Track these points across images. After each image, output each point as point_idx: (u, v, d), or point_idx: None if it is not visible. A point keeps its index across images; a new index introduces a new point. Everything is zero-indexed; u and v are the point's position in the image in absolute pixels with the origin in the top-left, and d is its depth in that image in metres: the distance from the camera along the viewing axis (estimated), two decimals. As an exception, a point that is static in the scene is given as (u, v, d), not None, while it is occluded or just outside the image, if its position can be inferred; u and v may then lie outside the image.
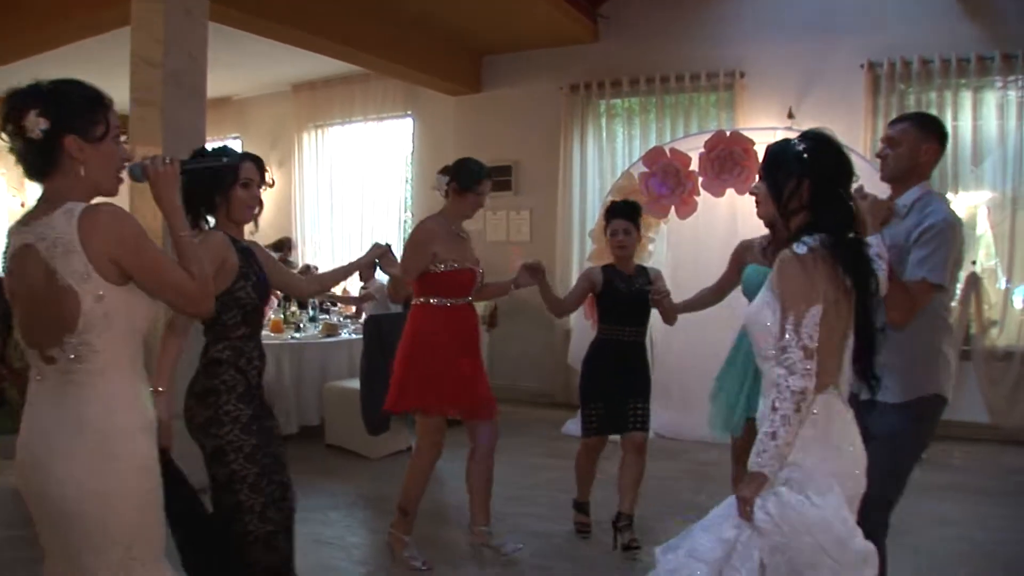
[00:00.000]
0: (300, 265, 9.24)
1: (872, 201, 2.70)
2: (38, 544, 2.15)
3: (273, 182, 9.75)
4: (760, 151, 5.91)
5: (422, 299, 4.02)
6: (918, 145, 2.89)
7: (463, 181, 4.00)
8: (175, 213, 2.20)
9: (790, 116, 6.72)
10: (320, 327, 7.07)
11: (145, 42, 5.03)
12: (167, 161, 2.20)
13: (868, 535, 2.44)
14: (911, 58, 6.58)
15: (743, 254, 3.99)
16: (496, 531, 4.25)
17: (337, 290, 8.64)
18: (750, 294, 3.66)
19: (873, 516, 2.69)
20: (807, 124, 6.41)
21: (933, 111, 6.51)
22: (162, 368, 2.77)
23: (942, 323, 2.97)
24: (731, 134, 6.25)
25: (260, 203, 3.08)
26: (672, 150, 6.46)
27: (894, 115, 6.52)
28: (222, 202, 2.95)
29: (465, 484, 4.21)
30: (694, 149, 6.40)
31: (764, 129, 6.42)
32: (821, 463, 2.18)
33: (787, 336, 2.16)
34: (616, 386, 4.22)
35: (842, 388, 2.29)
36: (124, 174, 2.19)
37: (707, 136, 6.37)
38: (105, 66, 7.86)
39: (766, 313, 2.26)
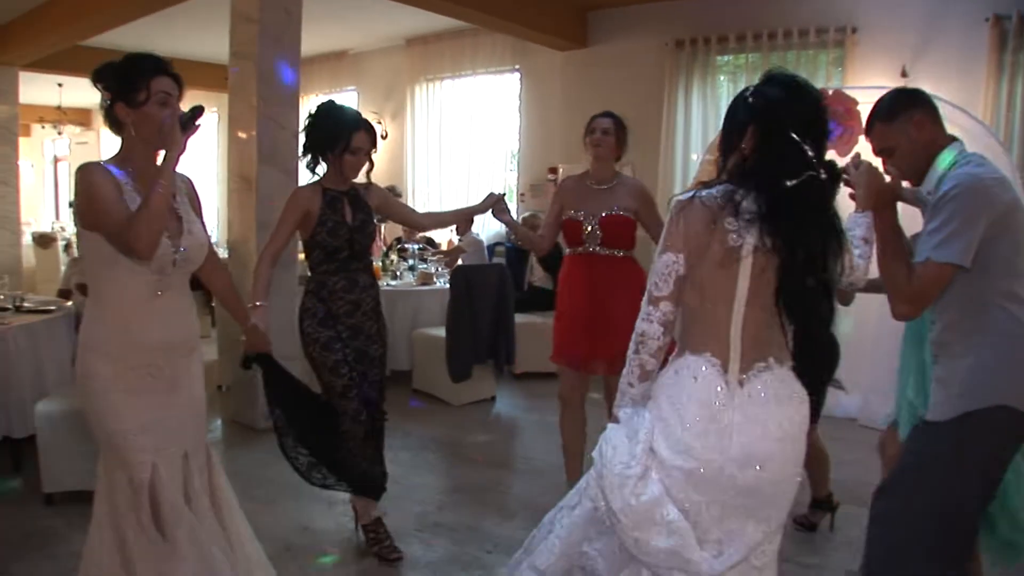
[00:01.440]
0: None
1: (866, 170, 2.44)
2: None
3: (387, 134, 10.12)
4: (864, 111, 5.74)
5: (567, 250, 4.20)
6: (905, 131, 2.51)
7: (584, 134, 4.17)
8: (163, 164, 2.51)
9: (903, 75, 6.40)
10: (416, 275, 7.26)
11: (243, -1, 5.25)
12: (169, 116, 2.54)
13: None
14: (1045, 11, 6.11)
15: None
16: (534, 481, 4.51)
17: (444, 242, 8.87)
18: None
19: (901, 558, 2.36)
20: (923, 83, 6.17)
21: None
22: (256, 288, 3.33)
23: (999, 314, 2.35)
24: (833, 93, 6.02)
25: (370, 164, 3.68)
26: (773, 109, 6.28)
27: (1021, 75, 6.20)
28: (333, 161, 3.54)
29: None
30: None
31: (872, 88, 6.13)
32: (658, 416, 2.06)
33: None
34: None
35: (731, 364, 2.04)
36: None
37: (808, 95, 6.16)
38: (209, 22, 8.26)
39: None
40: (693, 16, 7.63)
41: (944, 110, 2.64)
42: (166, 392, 2.67)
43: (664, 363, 2.13)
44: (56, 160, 18.67)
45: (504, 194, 3.95)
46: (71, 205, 14.28)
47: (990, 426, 2.32)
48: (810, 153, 1.99)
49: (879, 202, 2.43)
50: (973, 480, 2.36)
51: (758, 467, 1.99)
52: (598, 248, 4.00)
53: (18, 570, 3.54)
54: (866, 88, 6.18)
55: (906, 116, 2.51)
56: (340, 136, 3.49)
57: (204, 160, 12.06)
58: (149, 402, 2.62)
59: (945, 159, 2.47)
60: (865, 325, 5.86)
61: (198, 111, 2.56)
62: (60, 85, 12.67)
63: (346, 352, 3.51)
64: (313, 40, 5.60)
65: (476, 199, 4.19)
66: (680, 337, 2.13)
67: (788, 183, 1.96)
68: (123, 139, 2.59)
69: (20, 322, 4.74)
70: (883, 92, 2.66)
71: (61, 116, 14.14)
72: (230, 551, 2.78)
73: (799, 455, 2.10)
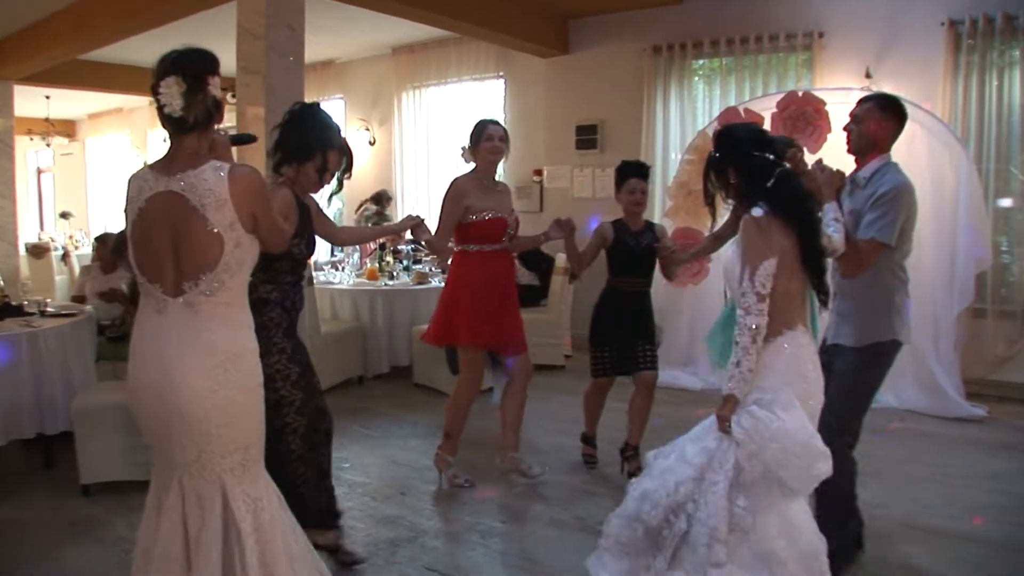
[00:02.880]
0: (402, 216, 9.83)
1: (828, 173, 3.28)
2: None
3: (375, 140, 10.45)
4: (832, 111, 6.26)
5: (461, 247, 4.50)
6: (879, 123, 3.39)
7: (473, 139, 4.51)
8: None
9: (867, 76, 6.79)
10: (412, 275, 7.59)
11: (249, 15, 5.58)
12: (223, 133, 2.60)
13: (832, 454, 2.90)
14: (994, 15, 6.47)
15: None
16: (544, 459, 4.83)
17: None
18: None
19: (831, 441, 3.04)
20: (885, 84, 6.60)
21: (1017, 70, 6.55)
22: None
23: (896, 280, 3.41)
24: (803, 94, 6.42)
25: (333, 182, 3.57)
26: (746, 110, 6.67)
27: (975, 74, 6.62)
28: (309, 171, 3.40)
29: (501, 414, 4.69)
30: (767, 109, 6.60)
31: (839, 89, 6.55)
32: (785, 387, 2.65)
33: (745, 283, 2.65)
34: (626, 331, 4.67)
35: (810, 326, 2.78)
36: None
37: (780, 96, 6.55)
38: (213, 37, 8.51)
39: (736, 265, 2.75)
40: (669, 23, 8.02)
41: (906, 108, 3.50)
42: None
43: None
44: (39, 171, 18.81)
45: (421, 217, 4.15)
46: (63, 216, 14.52)
47: (889, 350, 3.42)
48: (771, 157, 2.78)
49: (836, 193, 3.29)
50: (879, 378, 3.48)
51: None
52: (507, 244, 4.53)
53: (69, 554, 3.82)
54: (833, 89, 6.59)
55: (888, 118, 3.43)
56: (311, 151, 3.39)
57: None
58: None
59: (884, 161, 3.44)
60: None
61: (251, 139, 2.90)
62: (48, 97, 12.86)
63: (304, 363, 3.39)
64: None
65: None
66: (771, 325, 2.71)
67: (768, 184, 2.73)
68: (186, 140, 2.46)
69: (47, 325, 5.03)
70: (849, 91, 3.52)
71: (49, 128, 14.31)
72: None
73: None
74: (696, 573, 2.66)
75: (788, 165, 2.88)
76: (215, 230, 2.38)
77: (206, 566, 2.38)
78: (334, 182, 3.59)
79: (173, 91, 2.38)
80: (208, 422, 2.42)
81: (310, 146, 3.38)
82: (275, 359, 3.25)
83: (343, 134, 3.63)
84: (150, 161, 2.70)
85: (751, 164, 2.78)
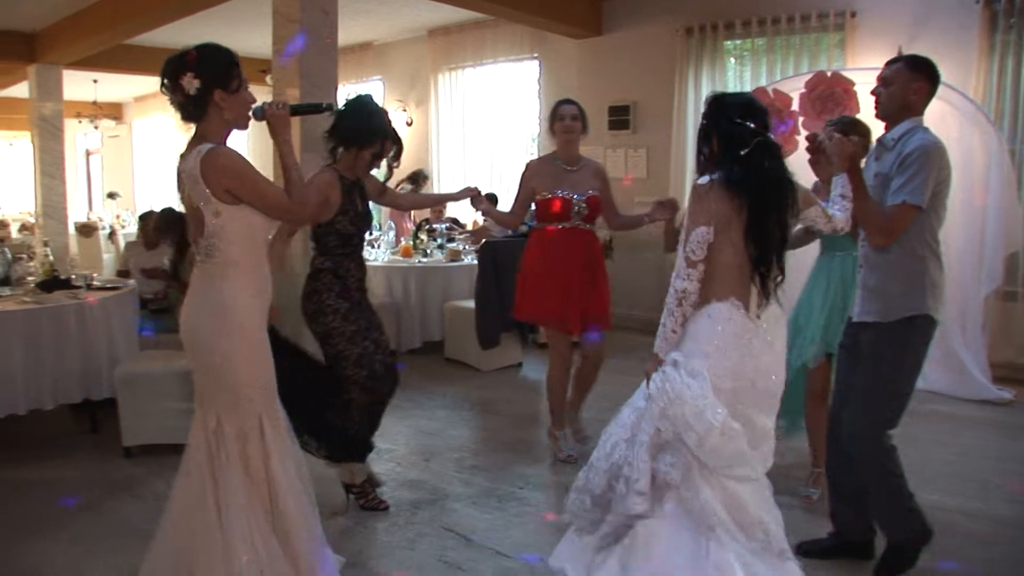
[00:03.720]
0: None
1: (836, 141, 3.06)
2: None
3: (412, 121, 10.62)
4: (862, 92, 6.12)
5: (536, 225, 4.68)
6: (908, 84, 3.13)
7: (548, 121, 4.68)
8: (286, 146, 2.82)
9: (899, 56, 6.78)
10: (446, 253, 7.75)
11: (285, 0, 5.73)
12: (279, 106, 2.84)
13: (867, 453, 3.09)
14: (1032, -7, 6.44)
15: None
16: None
17: (469, 222, 9.34)
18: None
19: (869, 433, 3.15)
20: (917, 64, 6.56)
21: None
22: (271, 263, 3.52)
23: (927, 249, 3.12)
24: (832, 74, 6.43)
25: (389, 172, 4.07)
26: (775, 91, 6.70)
27: (1011, 54, 6.58)
28: (358, 155, 3.79)
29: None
30: (796, 90, 6.62)
31: (868, 69, 6.54)
32: (701, 355, 2.69)
33: (680, 248, 2.71)
34: None
35: (751, 304, 2.72)
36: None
37: (809, 76, 6.57)
38: (250, 20, 8.75)
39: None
40: (702, 4, 8.06)
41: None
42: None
43: None
44: (88, 153, 19.29)
45: (479, 188, 4.42)
46: (110, 196, 14.91)
47: (923, 327, 3.13)
48: (752, 126, 2.70)
49: (851, 164, 3.04)
50: (917, 360, 3.18)
51: (773, 377, 2.75)
52: (581, 223, 4.54)
53: (110, 507, 4.08)
54: (864, 69, 6.58)
55: (918, 78, 3.15)
56: (374, 138, 3.77)
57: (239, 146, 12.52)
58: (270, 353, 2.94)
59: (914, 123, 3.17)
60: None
61: (318, 108, 3.11)
62: (95, 81, 13.21)
63: (360, 322, 3.80)
64: (340, 32, 6.04)
65: (499, 180, 4.74)
66: (702, 290, 2.74)
67: (741, 152, 2.68)
68: (201, 124, 2.76)
69: (94, 298, 5.26)
70: (879, 71, 3.29)
71: (97, 111, 14.68)
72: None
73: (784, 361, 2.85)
74: (622, 527, 2.82)
75: (773, 137, 2.77)
76: (197, 204, 2.73)
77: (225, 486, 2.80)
78: (384, 167, 3.99)
79: (170, 92, 2.77)
80: (207, 366, 2.83)
81: (370, 134, 3.76)
82: (330, 319, 3.76)
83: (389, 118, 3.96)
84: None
85: (731, 131, 2.72)
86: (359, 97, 3.92)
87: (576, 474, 3.14)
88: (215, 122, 2.76)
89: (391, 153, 3.93)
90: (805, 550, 3.37)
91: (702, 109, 8.15)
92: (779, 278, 2.75)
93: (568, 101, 4.67)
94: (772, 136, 2.76)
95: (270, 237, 2.96)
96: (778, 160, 2.73)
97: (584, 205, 4.51)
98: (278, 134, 2.83)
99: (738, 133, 2.71)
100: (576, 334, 4.64)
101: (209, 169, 2.66)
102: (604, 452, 2.93)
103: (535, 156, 9.72)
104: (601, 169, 4.75)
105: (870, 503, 3.29)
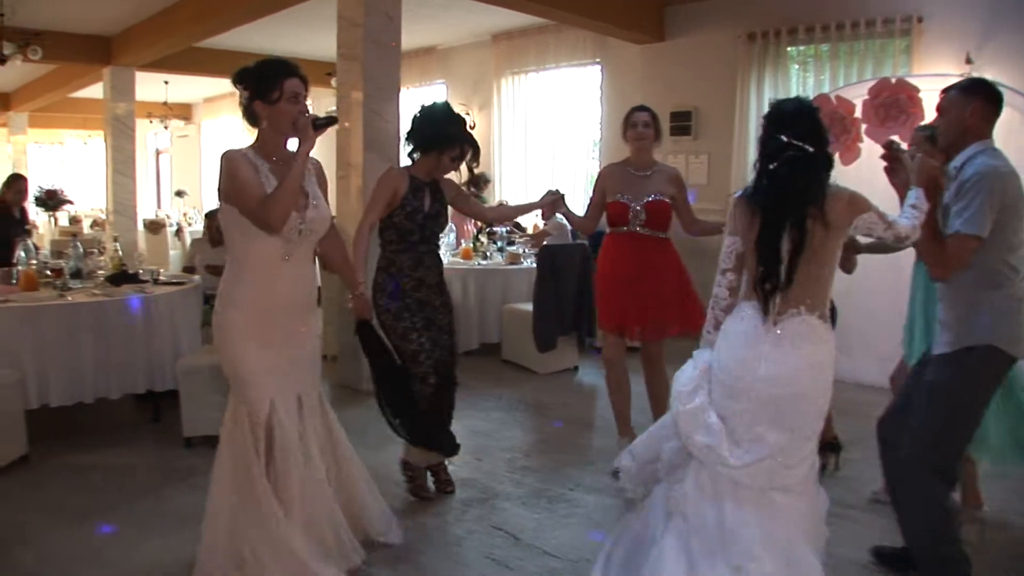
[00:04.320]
0: (496, 200, 10.11)
1: (919, 160, 3.01)
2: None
3: (474, 124, 10.68)
4: (927, 99, 5.94)
5: (607, 229, 4.72)
6: (963, 109, 3.02)
7: (622, 128, 4.72)
8: (298, 155, 2.95)
9: (968, 62, 6.61)
10: (505, 256, 7.80)
11: (349, 5, 5.87)
12: (305, 119, 2.98)
13: (905, 495, 3.04)
14: (1110, -4, 6.26)
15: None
16: (611, 436, 4.96)
17: (530, 226, 9.39)
18: None
19: (909, 476, 3.03)
20: (987, 70, 6.46)
21: None
22: (357, 261, 3.76)
23: (1000, 277, 2.96)
24: (896, 81, 6.33)
25: (471, 175, 4.31)
26: (838, 97, 6.61)
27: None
28: (435, 159, 3.95)
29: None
30: (860, 96, 6.52)
31: (935, 76, 6.42)
32: (712, 347, 2.83)
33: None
34: None
35: (769, 311, 2.68)
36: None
37: (872, 83, 6.47)
38: (315, 24, 8.92)
39: None
40: (765, 9, 7.97)
41: (1006, 95, 3.19)
42: (284, 344, 3.11)
43: None
44: (158, 153, 19.81)
45: (561, 192, 4.44)
46: (178, 194, 15.29)
47: (985, 358, 2.96)
48: (784, 139, 2.65)
49: (929, 182, 2.97)
50: (973, 397, 3.01)
51: (781, 387, 2.63)
52: (640, 229, 4.54)
53: (167, 494, 4.22)
54: (931, 75, 6.47)
55: (972, 101, 3.05)
56: (454, 142, 3.94)
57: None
58: (271, 351, 3.07)
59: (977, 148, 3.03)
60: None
61: (332, 120, 3.10)
62: (166, 83, 13.57)
63: (414, 320, 3.90)
64: (404, 36, 6.12)
65: (560, 185, 4.81)
66: (740, 292, 2.84)
67: (771, 166, 2.68)
68: (259, 131, 3.06)
69: (159, 292, 5.42)
70: (946, 78, 3.23)
71: (167, 111, 15.06)
72: (337, 474, 3.36)
73: (821, 383, 2.69)
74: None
75: (811, 149, 2.66)
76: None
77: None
78: (464, 169, 4.14)
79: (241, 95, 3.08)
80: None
81: (450, 139, 3.92)
82: (382, 318, 3.92)
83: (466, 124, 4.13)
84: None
85: (766, 143, 2.73)
86: (435, 104, 4.08)
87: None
88: (265, 130, 3.04)
89: (469, 156, 4.05)
90: (881, 553, 3.42)
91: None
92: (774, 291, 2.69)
93: (642, 108, 4.69)
94: (808, 148, 2.66)
95: (301, 237, 3.10)
96: (803, 174, 2.65)
97: (640, 210, 4.50)
98: (299, 143, 2.99)
99: (771, 146, 2.71)
100: (632, 339, 4.65)
101: (220, 170, 2.96)
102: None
103: (598, 161, 9.81)
104: (676, 175, 4.72)
105: (903, 533, 3.18)
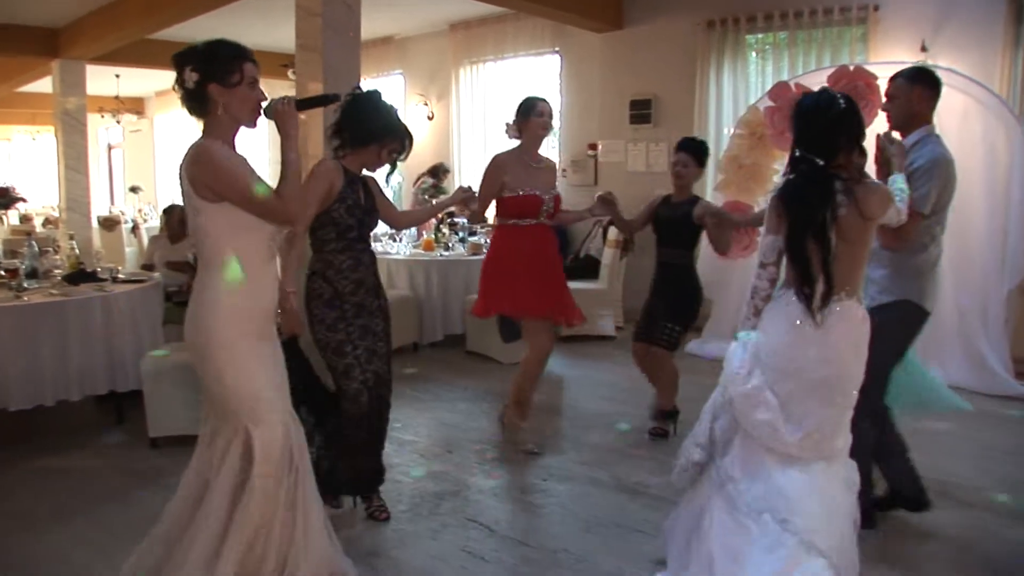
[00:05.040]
0: (455, 188, 10.06)
1: (897, 146, 3.37)
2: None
3: (433, 115, 10.65)
4: (885, 86, 6.17)
5: (500, 220, 4.66)
6: (909, 94, 3.51)
7: (522, 114, 4.61)
8: (289, 141, 2.74)
9: (923, 49, 6.72)
10: (467, 246, 7.77)
11: (307, -6, 5.75)
12: (285, 102, 2.75)
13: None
14: (1060, -15, 6.38)
15: None
16: (586, 423, 5.10)
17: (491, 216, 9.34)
18: None
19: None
20: (941, 58, 6.56)
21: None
22: (286, 273, 3.36)
23: (919, 246, 3.47)
24: (855, 68, 6.39)
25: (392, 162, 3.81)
26: (797, 85, 6.66)
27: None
28: (370, 153, 3.67)
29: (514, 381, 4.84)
30: (819, 84, 6.56)
31: (892, 64, 6.48)
32: (759, 332, 2.99)
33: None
34: (652, 304, 4.84)
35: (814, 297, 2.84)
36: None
37: (832, 71, 6.53)
38: (272, 15, 8.79)
39: None
40: (723, -2, 8.01)
41: (960, 82, 3.53)
42: (273, 354, 2.88)
43: None
44: (110, 148, 19.45)
45: (472, 188, 4.37)
46: (133, 190, 15.03)
47: (901, 310, 3.49)
48: (797, 153, 2.87)
49: (903, 162, 3.38)
50: (893, 346, 3.47)
51: (828, 367, 2.84)
52: (545, 220, 4.60)
53: (136, 497, 4.12)
54: (887, 63, 6.54)
55: (915, 86, 3.53)
56: (398, 135, 3.68)
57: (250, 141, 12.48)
58: (267, 363, 2.82)
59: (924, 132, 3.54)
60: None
61: (328, 99, 2.97)
62: (118, 76, 13.31)
63: (350, 331, 3.59)
64: (362, 26, 6.07)
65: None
66: (783, 279, 2.99)
67: (788, 177, 2.92)
68: (210, 120, 2.70)
69: (119, 290, 5.31)
70: (902, 66, 3.68)
71: (119, 105, 14.77)
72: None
73: (861, 360, 2.93)
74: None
75: (821, 163, 2.83)
76: (185, 201, 2.72)
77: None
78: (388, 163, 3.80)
79: (179, 88, 2.72)
80: (202, 373, 2.79)
81: (372, 135, 3.62)
82: (316, 329, 3.60)
83: (401, 114, 3.82)
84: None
85: (791, 156, 2.92)
86: (374, 93, 3.75)
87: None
88: (220, 119, 2.69)
89: (401, 150, 3.79)
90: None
91: (724, 103, 8.20)
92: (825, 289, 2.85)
93: (544, 99, 4.69)
94: (819, 161, 2.82)
95: (282, 237, 2.93)
96: (813, 188, 2.82)
97: (550, 200, 4.59)
98: (281, 130, 2.75)
99: (793, 158, 2.91)
100: (560, 324, 4.76)
101: (191, 165, 2.64)
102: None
103: (557, 150, 9.78)
104: (555, 166, 4.86)
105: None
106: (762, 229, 3.05)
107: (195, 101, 2.69)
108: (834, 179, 2.82)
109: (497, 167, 4.58)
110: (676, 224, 4.77)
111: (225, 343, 2.71)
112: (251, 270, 2.75)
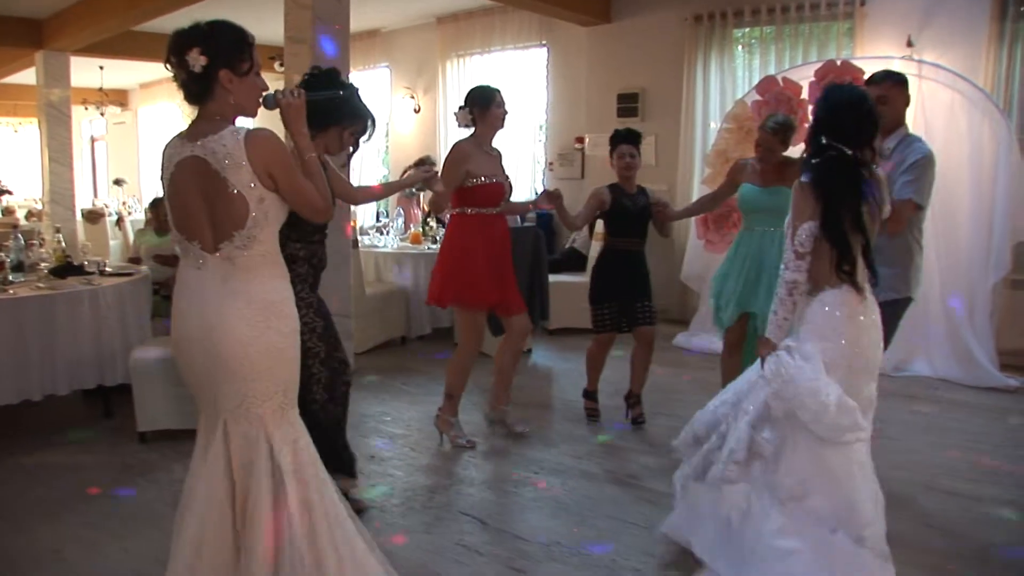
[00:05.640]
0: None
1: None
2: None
3: (420, 108, 10.62)
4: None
5: (459, 209, 4.60)
6: (900, 97, 3.76)
7: (481, 103, 4.58)
8: (302, 137, 2.62)
9: (909, 44, 6.75)
10: (454, 241, 7.75)
11: (296, -15, 5.73)
12: (295, 93, 2.63)
13: None
14: (1043, -21, 6.42)
15: (738, 174, 4.63)
16: (575, 416, 5.11)
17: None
18: (745, 209, 4.58)
19: None
20: (927, 53, 6.60)
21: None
22: None
23: (915, 242, 3.76)
24: (841, 63, 6.42)
25: (355, 146, 3.74)
26: (784, 79, 6.70)
27: (1020, 42, 6.59)
28: (335, 135, 3.59)
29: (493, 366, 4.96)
30: (806, 78, 6.61)
31: (879, 59, 6.55)
32: (815, 339, 2.90)
33: (787, 241, 2.90)
34: (626, 289, 4.89)
35: (862, 291, 2.93)
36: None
37: (819, 65, 6.56)
38: (261, 7, 8.72)
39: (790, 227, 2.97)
40: (711, -9, 8.02)
41: (945, 77, 3.67)
42: None
43: None
44: (93, 140, 19.30)
45: (435, 167, 4.34)
46: (117, 183, 14.92)
47: (903, 305, 3.76)
48: (824, 140, 2.90)
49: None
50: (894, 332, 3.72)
51: (879, 348, 3.02)
52: (502, 208, 4.66)
53: (125, 494, 4.10)
54: (873, 58, 6.59)
55: (903, 87, 3.83)
56: (361, 116, 3.62)
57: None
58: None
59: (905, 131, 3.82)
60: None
61: (341, 93, 2.92)
62: (101, 68, 13.20)
63: (328, 317, 3.61)
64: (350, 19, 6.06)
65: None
66: (814, 281, 2.95)
67: (813, 160, 2.93)
68: (208, 106, 2.53)
69: (107, 283, 5.28)
70: (888, 61, 3.73)
71: (103, 98, 14.66)
72: None
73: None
74: (713, 486, 3.08)
75: (849, 152, 2.91)
76: (235, 191, 2.45)
77: (257, 503, 2.51)
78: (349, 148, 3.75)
79: (175, 68, 2.51)
80: (251, 368, 2.52)
81: (331, 117, 3.48)
82: (303, 312, 3.32)
83: (380, 103, 3.77)
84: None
85: (816, 142, 2.95)
86: (327, 71, 3.64)
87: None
88: (222, 104, 2.52)
89: (365, 131, 3.71)
90: None
91: (711, 97, 8.24)
92: (872, 281, 2.99)
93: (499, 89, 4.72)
94: (847, 150, 2.89)
95: None
96: (841, 175, 2.89)
97: (508, 191, 4.67)
98: (292, 124, 2.63)
99: (816, 147, 2.95)
100: (507, 315, 4.75)
101: (256, 151, 2.44)
102: (714, 404, 3.28)
103: (544, 144, 9.78)
104: (501, 154, 4.85)
105: None
106: (788, 217, 3.01)
107: (199, 86, 2.50)
108: (861, 168, 2.91)
109: (461, 154, 4.52)
110: (640, 214, 4.92)
111: (297, 329, 2.65)
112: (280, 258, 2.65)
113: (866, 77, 6.17)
